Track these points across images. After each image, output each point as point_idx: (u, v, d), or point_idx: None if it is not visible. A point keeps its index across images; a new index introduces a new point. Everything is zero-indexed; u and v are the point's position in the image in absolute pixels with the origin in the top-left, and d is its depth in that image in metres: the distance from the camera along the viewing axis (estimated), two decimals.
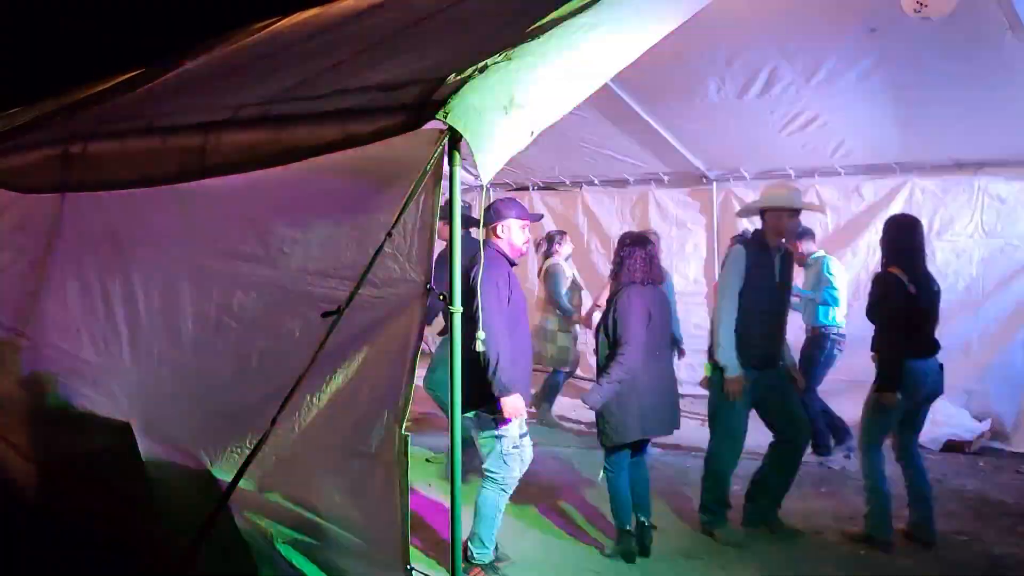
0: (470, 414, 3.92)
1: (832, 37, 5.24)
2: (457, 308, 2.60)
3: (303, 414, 2.92)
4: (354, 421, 2.82)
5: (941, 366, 4.49)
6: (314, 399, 2.89)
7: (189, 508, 3.36)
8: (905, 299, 4.30)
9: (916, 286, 4.32)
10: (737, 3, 4.69)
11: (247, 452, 2.98)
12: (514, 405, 3.83)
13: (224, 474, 3.20)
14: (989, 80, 5.26)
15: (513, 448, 4.00)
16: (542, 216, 4.48)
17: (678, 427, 4.50)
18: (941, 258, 6.80)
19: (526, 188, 9.30)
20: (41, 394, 3.95)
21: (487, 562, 4.10)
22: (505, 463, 4.00)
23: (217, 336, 3.34)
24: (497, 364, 3.75)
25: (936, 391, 4.54)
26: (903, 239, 4.48)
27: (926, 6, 4.17)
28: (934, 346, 4.48)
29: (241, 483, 2.71)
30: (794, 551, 4.55)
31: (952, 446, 6.31)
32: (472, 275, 3.60)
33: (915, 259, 4.44)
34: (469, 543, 4.08)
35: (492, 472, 4.03)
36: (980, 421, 6.56)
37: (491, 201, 4.28)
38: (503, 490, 4.06)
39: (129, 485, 3.57)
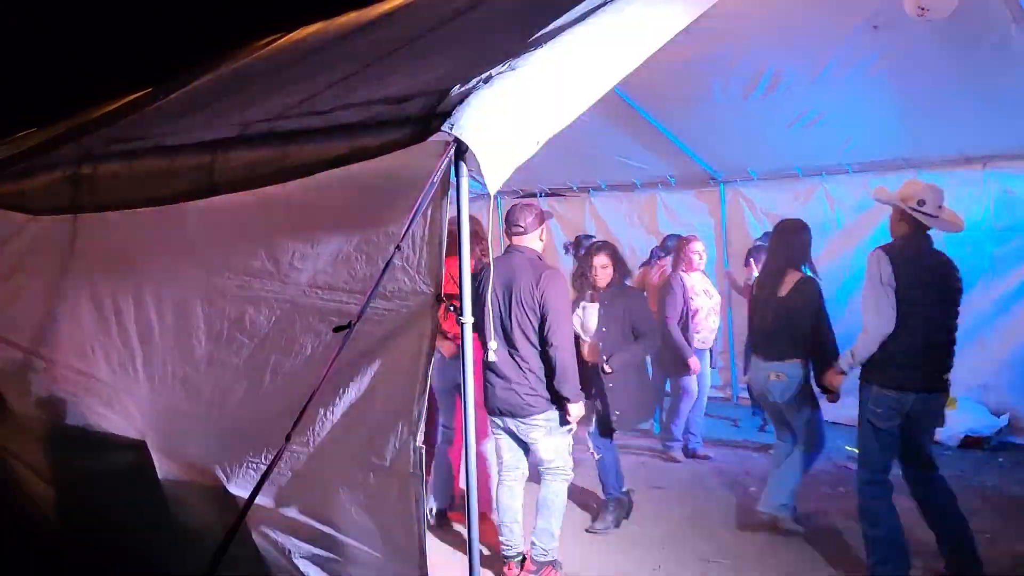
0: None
1: (835, 35, 5.25)
2: (468, 319, 2.60)
3: (318, 428, 2.92)
4: (369, 434, 2.82)
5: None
6: (328, 413, 2.89)
7: (206, 525, 3.37)
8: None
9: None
10: (739, 4, 4.69)
11: (263, 468, 2.99)
12: (582, 409, 4.17)
13: (240, 490, 3.21)
14: (995, 73, 5.25)
15: (570, 443, 4.30)
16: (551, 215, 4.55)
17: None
18: (953, 252, 6.75)
19: (533, 195, 9.32)
20: (57, 415, 3.97)
21: (557, 556, 4.23)
22: (568, 456, 4.25)
23: (230, 353, 3.34)
24: (571, 370, 4.05)
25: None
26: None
27: (927, 9, 4.18)
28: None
29: (260, 499, 2.71)
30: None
31: (970, 442, 6.28)
32: (479, 284, 3.63)
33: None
34: (536, 540, 4.20)
35: (558, 466, 4.22)
36: (998, 416, 6.52)
37: (512, 208, 4.29)
38: (567, 480, 4.28)
39: (146, 503, 3.58)
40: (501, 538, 4.26)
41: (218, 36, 7.47)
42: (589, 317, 4.90)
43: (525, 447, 4.28)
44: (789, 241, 4.79)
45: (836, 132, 6.59)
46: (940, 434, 6.32)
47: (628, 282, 5.19)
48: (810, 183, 7.57)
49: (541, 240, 4.25)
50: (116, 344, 3.77)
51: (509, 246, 4.24)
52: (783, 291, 4.62)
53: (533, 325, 4.04)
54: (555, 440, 4.17)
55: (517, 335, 4.05)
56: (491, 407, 4.19)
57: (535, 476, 4.36)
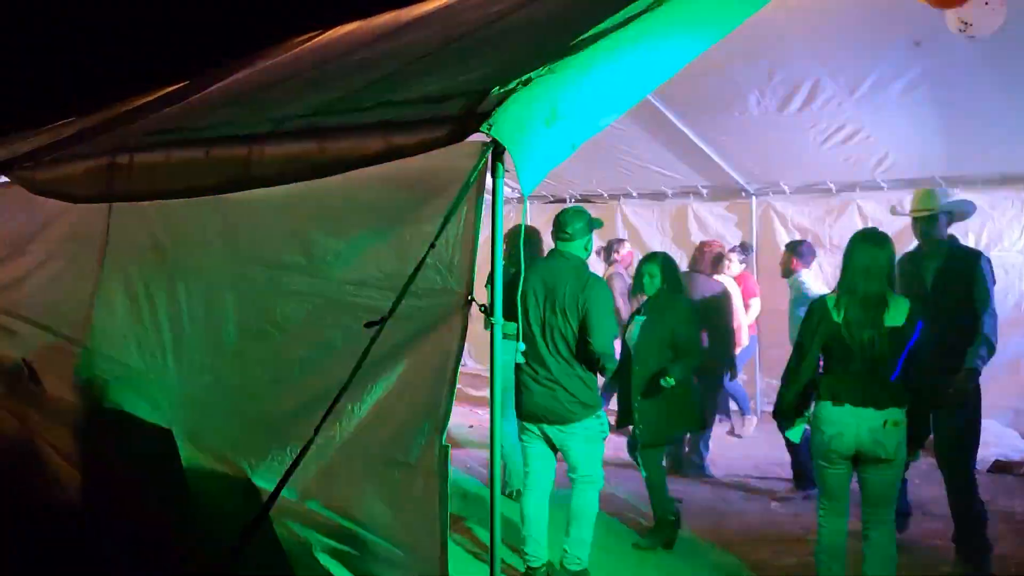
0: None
1: (876, 50, 5.19)
2: (499, 319, 2.59)
3: (344, 423, 2.93)
4: (395, 431, 2.82)
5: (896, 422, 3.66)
6: (355, 408, 2.90)
7: (229, 516, 3.39)
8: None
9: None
10: (779, 16, 4.65)
11: (288, 461, 3.00)
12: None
13: (264, 482, 3.22)
14: None
15: (603, 452, 4.27)
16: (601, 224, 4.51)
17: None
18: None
19: (563, 200, 9.31)
20: (91, 401, 4.02)
21: (587, 565, 4.19)
22: (600, 465, 4.22)
23: (259, 345, 3.37)
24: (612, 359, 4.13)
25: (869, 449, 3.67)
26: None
27: (971, 25, 4.11)
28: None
29: (283, 492, 2.72)
30: None
31: (1001, 466, 6.18)
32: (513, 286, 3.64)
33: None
34: (570, 550, 4.16)
35: (589, 474, 4.17)
36: None
37: (562, 212, 4.28)
38: (598, 489, 4.24)
39: (170, 492, 3.61)
40: (527, 549, 4.20)
41: (256, 33, 7.54)
42: (631, 329, 4.91)
43: (554, 455, 4.26)
44: (885, 256, 3.84)
45: (873, 148, 6.53)
46: None
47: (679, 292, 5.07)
48: (844, 199, 7.49)
49: (587, 250, 4.22)
50: (148, 333, 3.81)
51: (553, 250, 4.22)
52: (895, 320, 3.69)
53: (574, 330, 4.02)
54: (590, 448, 4.15)
55: (557, 340, 4.03)
56: (526, 412, 4.16)
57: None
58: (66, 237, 4.36)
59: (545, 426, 4.13)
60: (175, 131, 4.10)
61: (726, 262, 6.73)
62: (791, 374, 3.87)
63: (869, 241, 3.81)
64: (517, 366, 4.04)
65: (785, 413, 3.91)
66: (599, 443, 4.20)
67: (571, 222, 4.14)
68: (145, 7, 13.11)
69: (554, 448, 4.22)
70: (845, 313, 3.71)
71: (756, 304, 6.99)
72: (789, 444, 5.56)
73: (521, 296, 3.90)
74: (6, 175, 4.88)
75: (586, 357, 4.05)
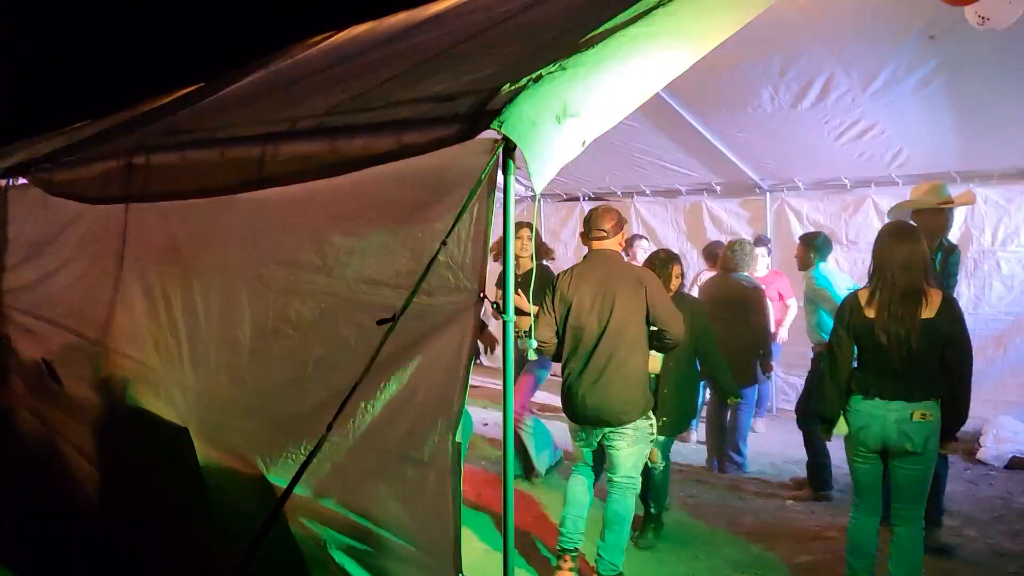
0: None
1: (890, 44, 5.14)
2: (511, 317, 2.60)
3: (358, 421, 2.95)
4: (408, 428, 2.83)
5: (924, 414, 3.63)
6: (368, 406, 2.91)
7: (244, 513, 3.41)
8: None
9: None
10: (791, 11, 4.64)
11: (302, 458, 3.02)
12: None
13: (280, 480, 3.25)
14: None
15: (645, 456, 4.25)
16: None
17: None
18: (1007, 269, 6.63)
19: (577, 199, 9.31)
20: (110, 400, 4.06)
21: (621, 570, 4.16)
22: (640, 470, 4.22)
23: (274, 344, 3.39)
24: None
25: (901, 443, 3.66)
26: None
27: (988, 19, 4.10)
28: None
29: (297, 489, 2.74)
30: None
31: (1017, 463, 6.12)
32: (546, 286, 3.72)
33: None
34: (606, 556, 4.11)
35: (632, 479, 4.16)
36: None
37: (592, 212, 4.31)
38: (636, 494, 4.24)
39: (186, 489, 3.64)
40: (563, 529, 4.20)
41: (269, 35, 7.59)
42: None
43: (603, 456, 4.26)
44: (917, 250, 3.78)
45: (888, 143, 6.48)
46: (987, 454, 6.21)
47: (684, 290, 5.24)
48: (859, 194, 7.45)
49: (620, 246, 4.27)
50: (164, 332, 3.85)
51: (592, 250, 4.23)
52: (928, 312, 3.67)
53: (640, 324, 4.04)
54: (636, 451, 4.13)
55: (614, 339, 4.01)
56: (579, 416, 4.13)
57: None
58: (84, 238, 4.41)
59: (594, 429, 4.12)
60: (191, 132, 4.14)
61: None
62: (829, 374, 3.85)
63: (905, 235, 3.78)
64: (530, 363, 4.06)
65: (827, 413, 3.87)
66: (645, 446, 4.18)
67: (604, 220, 4.19)
68: (161, 10, 13.19)
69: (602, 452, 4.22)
70: (879, 307, 3.69)
71: (793, 305, 6.99)
72: (807, 442, 5.56)
73: (563, 299, 4.09)
74: (24, 177, 4.94)
75: (661, 346, 4.17)
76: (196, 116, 4.87)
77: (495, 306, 2.64)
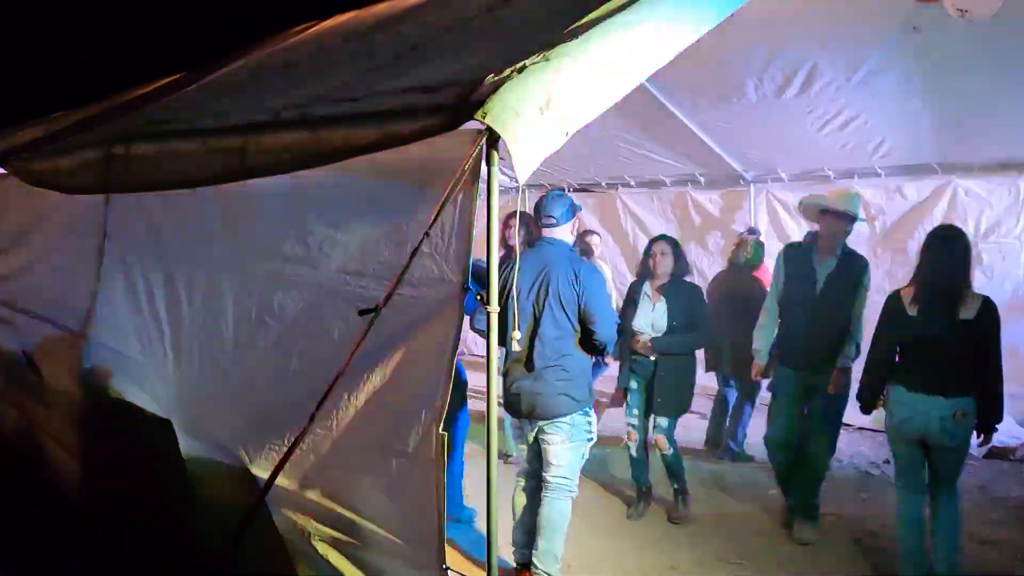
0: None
1: (873, 35, 5.15)
2: (495, 308, 2.59)
3: (341, 413, 2.94)
4: (392, 420, 2.82)
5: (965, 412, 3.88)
6: (352, 398, 2.90)
7: (228, 505, 3.40)
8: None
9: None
10: (775, 2, 4.63)
11: (285, 451, 3.01)
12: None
13: (263, 472, 3.23)
14: None
15: (585, 458, 4.07)
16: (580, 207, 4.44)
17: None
18: (987, 260, 6.68)
19: (562, 190, 9.29)
20: (92, 392, 4.02)
21: None
22: (578, 472, 4.02)
23: (257, 335, 3.37)
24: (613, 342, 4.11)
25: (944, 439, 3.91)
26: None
27: (967, 11, 4.12)
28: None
29: (281, 481, 2.73)
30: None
31: (996, 452, 6.18)
32: (504, 275, 3.62)
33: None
34: (539, 563, 3.92)
35: (567, 480, 3.96)
36: None
37: (542, 198, 4.14)
38: (572, 498, 4.01)
39: (169, 481, 3.62)
40: (515, 544, 4.14)
41: (252, 24, 7.51)
42: (659, 316, 4.93)
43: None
44: (960, 253, 3.97)
45: (871, 134, 6.51)
46: None
47: (687, 278, 5.17)
48: (842, 185, 7.47)
49: (572, 234, 4.10)
50: (147, 324, 3.82)
51: (539, 238, 4.08)
52: (968, 314, 3.86)
53: (570, 319, 3.87)
54: (571, 449, 3.94)
55: (548, 329, 3.87)
56: (515, 408, 3.98)
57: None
58: (64, 229, 4.36)
59: (528, 422, 4.00)
60: (171, 122, 4.09)
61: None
62: (871, 367, 4.14)
63: (951, 238, 3.99)
64: (505, 356, 3.97)
65: (868, 398, 4.17)
66: (581, 445, 3.98)
67: (554, 206, 4.01)
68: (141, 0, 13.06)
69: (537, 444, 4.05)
70: (920, 307, 3.93)
71: None
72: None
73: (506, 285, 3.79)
74: (3, 167, 4.88)
75: (589, 347, 3.94)
76: (177, 105, 4.82)
77: (479, 297, 2.63)
